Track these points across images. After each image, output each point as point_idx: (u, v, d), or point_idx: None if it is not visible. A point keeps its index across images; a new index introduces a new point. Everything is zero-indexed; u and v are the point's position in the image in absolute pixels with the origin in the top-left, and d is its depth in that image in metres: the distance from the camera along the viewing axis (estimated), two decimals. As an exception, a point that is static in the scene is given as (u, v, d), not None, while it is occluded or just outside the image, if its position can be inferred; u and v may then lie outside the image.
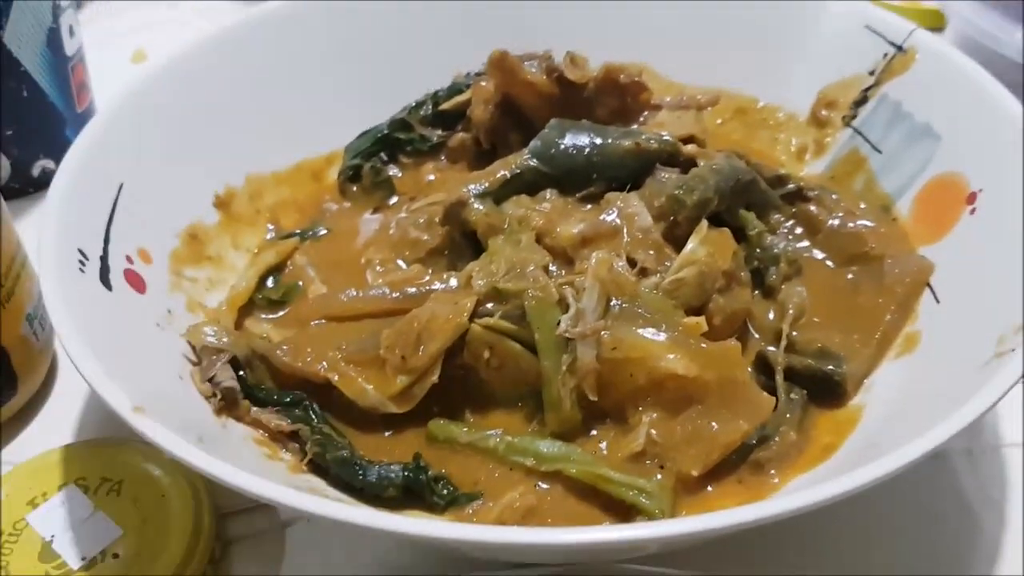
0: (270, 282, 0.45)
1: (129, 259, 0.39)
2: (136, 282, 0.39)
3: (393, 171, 0.50)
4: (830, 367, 0.37)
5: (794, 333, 0.39)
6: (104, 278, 0.37)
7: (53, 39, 0.53)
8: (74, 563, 0.36)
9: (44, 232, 0.35)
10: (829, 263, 0.42)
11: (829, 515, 0.37)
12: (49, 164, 0.55)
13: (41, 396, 0.44)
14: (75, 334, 0.31)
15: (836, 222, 0.42)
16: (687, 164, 0.41)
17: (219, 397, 0.37)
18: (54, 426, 0.43)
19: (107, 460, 0.39)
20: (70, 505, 0.37)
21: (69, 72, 0.55)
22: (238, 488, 0.27)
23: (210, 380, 0.37)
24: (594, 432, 0.37)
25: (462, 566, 0.35)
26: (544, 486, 0.36)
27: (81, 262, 0.36)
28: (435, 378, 0.37)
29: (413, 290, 0.41)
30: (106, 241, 0.38)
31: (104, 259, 0.37)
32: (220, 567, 0.37)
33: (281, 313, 0.44)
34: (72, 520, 0.37)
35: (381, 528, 0.26)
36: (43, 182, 0.56)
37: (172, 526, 0.36)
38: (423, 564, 0.35)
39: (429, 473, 0.36)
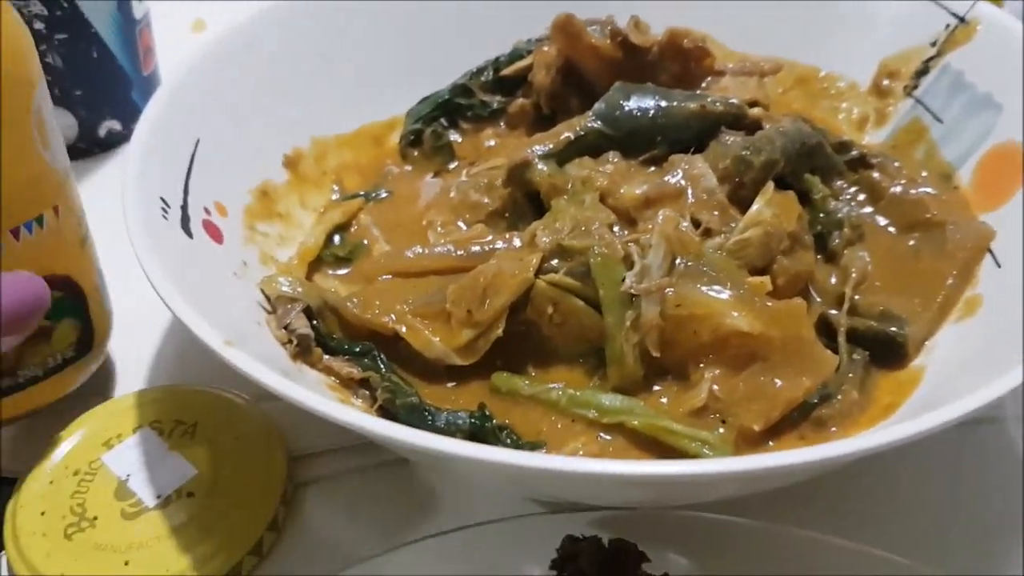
0: (336, 240, 0.46)
1: (207, 211, 0.40)
2: (214, 233, 0.40)
3: (453, 136, 0.51)
4: (892, 329, 0.38)
5: (856, 297, 0.40)
6: (185, 226, 0.38)
7: (123, 3, 0.54)
8: (149, 501, 0.37)
9: (127, 178, 0.37)
10: (891, 229, 0.42)
11: (885, 480, 0.38)
12: (115, 125, 0.57)
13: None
14: (162, 272, 0.33)
15: (898, 189, 0.43)
16: (752, 127, 0.41)
17: (294, 343, 0.38)
18: (119, 379, 0.44)
19: (181, 404, 0.40)
20: (145, 446, 0.39)
21: (137, 36, 0.56)
22: (327, 415, 0.28)
23: (285, 327, 0.38)
24: (656, 388, 0.38)
25: (524, 507, 0.36)
26: (606, 437, 0.37)
27: (164, 209, 0.37)
28: (499, 332, 0.38)
29: (477, 248, 0.42)
30: (186, 192, 0.39)
31: (184, 209, 0.39)
32: (291, 507, 0.38)
33: (347, 270, 0.45)
34: (147, 460, 0.38)
35: (472, 457, 0.27)
36: (109, 143, 0.57)
37: (246, 467, 0.38)
38: (489, 507, 0.36)
39: (494, 422, 0.37)
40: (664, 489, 0.31)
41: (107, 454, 0.38)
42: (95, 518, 0.36)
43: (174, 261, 0.35)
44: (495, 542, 0.35)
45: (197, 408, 0.40)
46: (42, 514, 0.37)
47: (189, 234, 0.38)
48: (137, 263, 0.34)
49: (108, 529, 0.36)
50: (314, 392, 0.36)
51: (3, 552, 0.36)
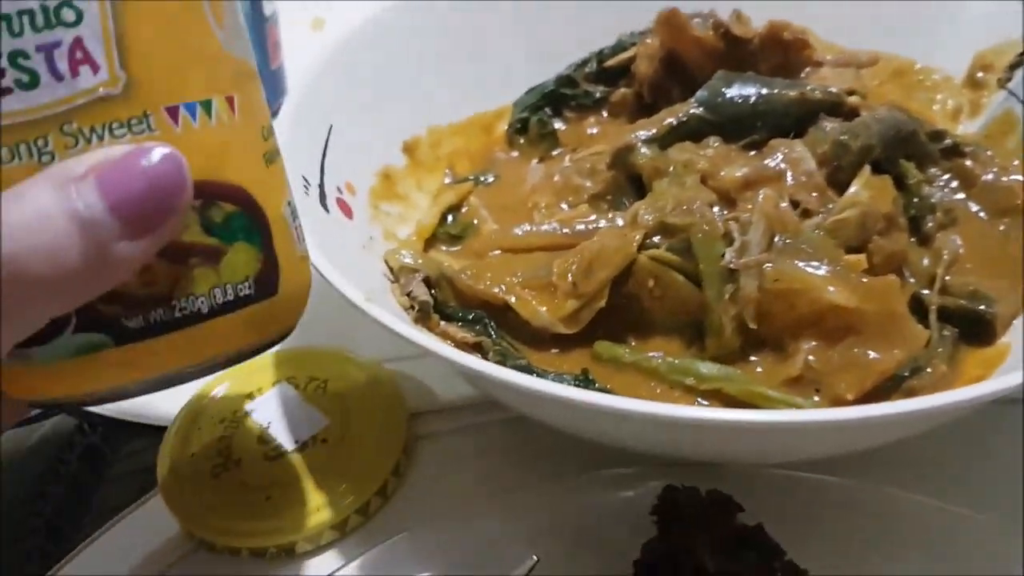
0: (449, 219, 0.50)
1: (339, 189, 0.44)
2: (346, 209, 0.44)
3: (558, 124, 0.54)
4: (981, 307, 0.39)
5: (947, 277, 0.41)
6: (323, 202, 0.42)
7: (255, 2, 0.59)
8: (288, 446, 0.41)
9: (279, 155, 0.41)
10: (982, 215, 0.44)
11: (973, 442, 0.39)
12: (246, 115, 0.62)
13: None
14: (310, 238, 0.37)
15: (990, 176, 0.44)
16: (850, 114, 0.43)
17: (416, 309, 0.41)
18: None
19: (313, 362, 0.44)
20: (282, 398, 0.43)
21: (266, 32, 0.61)
22: (459, 364, 0.32)
23: (407, 295, 0.42)
24: (752, 358, 0.40)
25: (627, 463, 0.39)
26: (703, 403, 0.39)
27: (305, 186, 0.41)
28: (602, 303, 0.41)
29: (581, 226, 0.45)
30: (322, 172, 0.43)
31: (321, 187, 0.43)
32: (411, 457, 0.42)
33: (459, 247, 0.49)
34: (285, 410, 0.42)
35: (584, 402, 0.30)
36: (240, 131, 0.62)
37: (371, 419, 0.42)
38: (593, 461, 0.39)
39: (596, 385, 0.40)
40: (762, 442, 0.34)
41: (250, 404, 0.43)
42: (239, 460, 0.41)
43: (315, 230, 0.38)
44: (597, 491, 0.38)
45: (328, 366, 0.44)
46: (191, 456, 0.41)
47: (326, 209, 0.42)
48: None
49: (251, 469, 0.40)
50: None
51: (157, 489, 0.41)
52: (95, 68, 0.25)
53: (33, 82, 0.24)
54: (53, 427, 0.46)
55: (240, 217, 0.29)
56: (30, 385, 0.28)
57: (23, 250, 0.23)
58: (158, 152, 0.25)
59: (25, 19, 0.24)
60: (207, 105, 0.28)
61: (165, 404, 0.45)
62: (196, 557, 0.39)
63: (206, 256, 0.28)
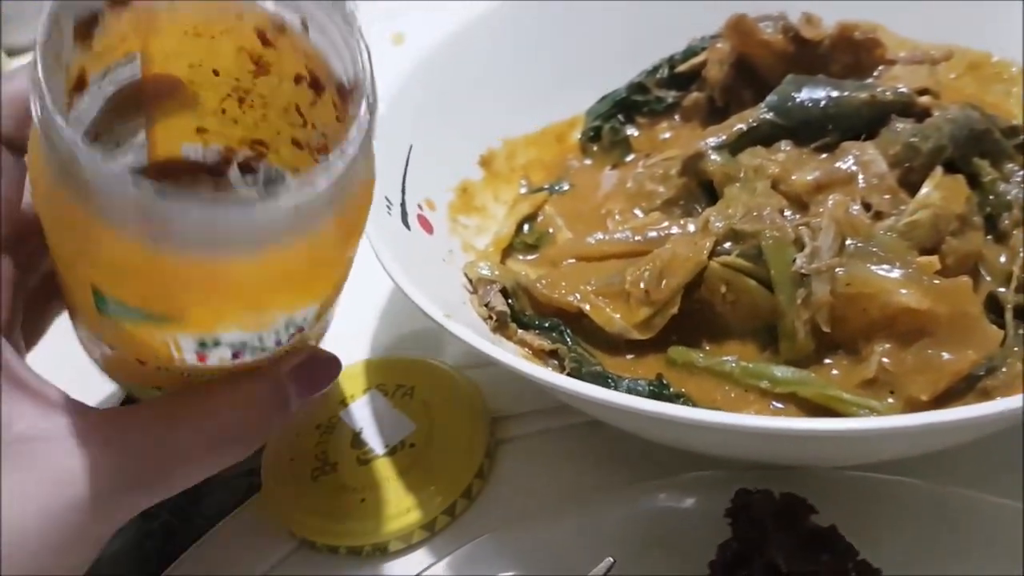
0: (525, 229, 0.52)
1: (420, 206, 0.46)
2: (426, 225, 0.46)
3: (630, 131, 0.55)
4: (1060, 305, 0.39)
5: (1024, 275, 0.41)
6: (404, 220, 0.44)
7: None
8: (379, 450, 0.43)
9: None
10: (1060, 210, 0.43)
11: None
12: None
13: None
14: (393, 260, 0.39)
15: (1071, 170, 0.43)
16: (922, 115, 0.43)
17: (494, 319, 0.43)
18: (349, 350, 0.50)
19: (401, 370, 0.47)
20: (373, 405, 0.45)
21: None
22: (532, 376, 0.34)
23: (486, 305, 0.44)
24: (827, 361, 0.40)
25: (699, 465, 0.40)
26: (778, 405, 0.40)
27: (387, 207, 0.44)
28: (675, 310, 0.42)
29: (654, 234, 0.46)
30: (403, 191, 0.46)
31: (403, 205, 0.45)
32: (494, 460, 0.44)
33: (535, 256, 0.50)
34: (375, 416, 0.45)
35: (659, 413, 0.31)
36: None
37: (455, 424, 0.44)
38: (667, 466, 0.40)
39: (671, 390, 0.41)
40: (838, 446, 0.34)
41: (343, 411, 0.45)
42: (335, 464, 0.43)
43: (398, 249, 0.41)
44: (673, 493, 0.39)
45: (414, 374, 0.46)
46: (291, 460, 0.44)
47: (407, 226, 0.44)
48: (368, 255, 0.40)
49: (347, 472, 0.43)
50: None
51: (259, 493, 0.44)
52: None
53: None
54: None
55: None
56: None
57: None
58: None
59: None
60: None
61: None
62: (298, 556, 0.42)
63: None
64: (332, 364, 0.37)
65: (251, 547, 0.42)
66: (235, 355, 0.31)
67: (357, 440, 0.44)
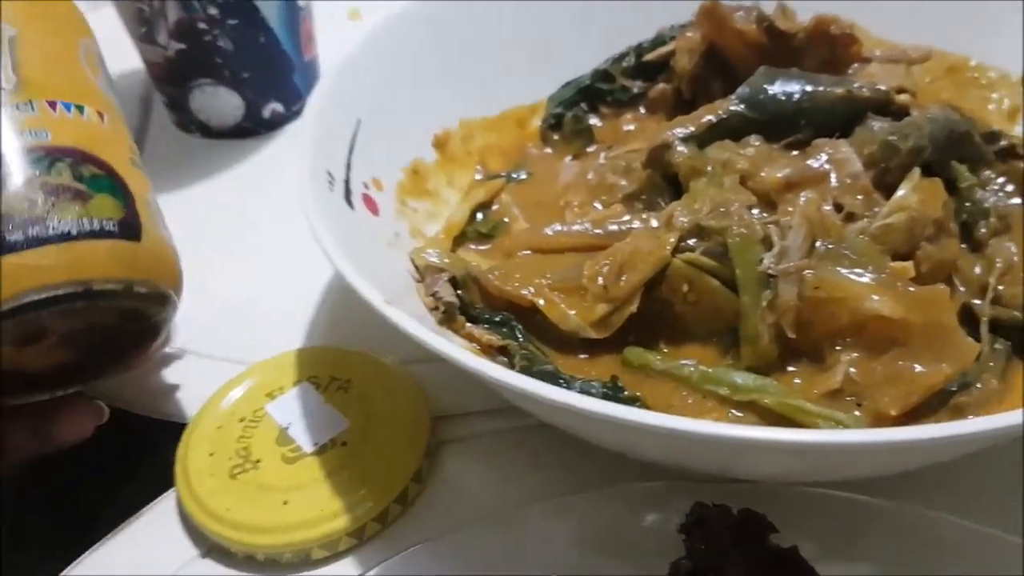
0: (479, 217, 0.49)
1: (366, 185, 0.43)
2: (372, 206, 0.43)
3: (593, 120, 0.53)
4: (1037, 320, 0.37)
5: (1000, 287, 0.39)
6: (347, 198, 0.41)
7: (288, -9, 0.58)
8: (307, 447, 0.40)
9: (302, 150, 0.40)
10: (1039, 220, 0.41)
11: (1018, 471, 0.37)
12: (278, 107, 0.61)
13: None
14: (330, 236, 0.36)
15: (1049, 180, 0.41)
16: (899, 114, 0.41)
17: (441, 310, 0.40)
18: (280, 337, 0.47)
19: (336, 362, 0.43)
20: (304, 399, 0.42)
21: (300, 23, 0.60)
22: (478, 371, 0.31)
23: (432, 295, 0.41)
24: (790, 368, 0.38)
25: (650, 476, 0.37)
26: (738, 414, 0.37)
27: (329, 182, 0.40)
28: (634, 308, 0.39)
29: (614, 227, 0.43)
30: (348, 167, 0.42)
31: (347, 182, 0.42)
32: (434, 462, 0.41)
33: (488, 245, 0.48)
34: (305, 411, 0.42)
35: (611, 416, 0.29)
36: (272, 124, 0.62)
37: (393, 422, 0.41)
38: (617, 473, 0.38)
39: (626, 393, 0.38)
40: (799, 460, 0.32)
41: (270, 404, 0.42)
42: (258, 461, 0.40)
43: (338, 227, 0.38)
44: (623, 504, 0.36)
45: (351, 366, 0.43)
46: (210, 455, 0.40)
47: (351, 205, 0.41)
48: (300, 232, 0.37)
49: (270, 471, 0.39)
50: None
51: (174, 488, 0.40)
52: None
53: None
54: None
55: (105, 179, 0.37)
56: None
57: None
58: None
59: None
60: (80, 108, 0.37)
61: (185, 400, 0.44)
62: (211, 559, 0.38)
63: (75, 194, 0.35)
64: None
65: (159, 548, 0.38)
66: None
67: (283, 436, 0.41)
